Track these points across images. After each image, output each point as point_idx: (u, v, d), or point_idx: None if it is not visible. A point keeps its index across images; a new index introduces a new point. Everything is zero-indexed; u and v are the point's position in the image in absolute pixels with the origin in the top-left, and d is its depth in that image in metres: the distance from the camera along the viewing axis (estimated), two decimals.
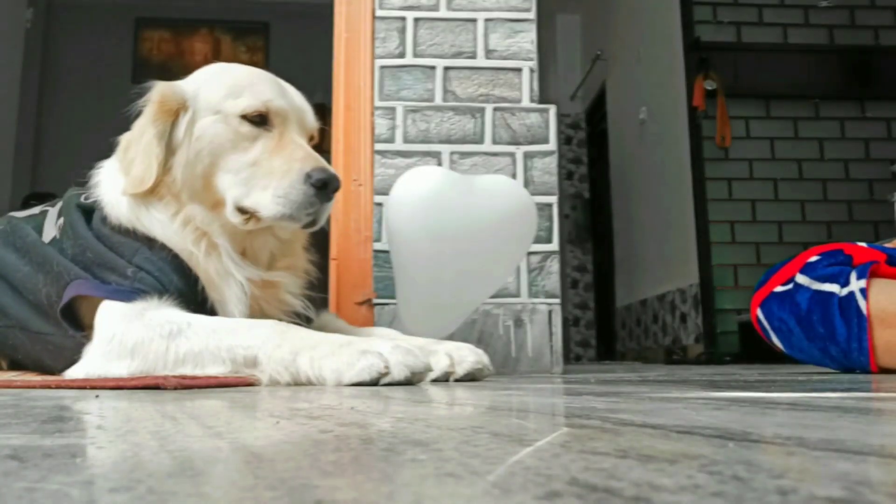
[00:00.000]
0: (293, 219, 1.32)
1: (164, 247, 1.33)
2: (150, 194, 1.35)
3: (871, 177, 4.02)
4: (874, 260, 1.70)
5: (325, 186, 1.30)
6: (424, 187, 1.68)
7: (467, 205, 1.67)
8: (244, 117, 1.35)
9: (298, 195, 1.30)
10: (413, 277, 1.71)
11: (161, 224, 1.34)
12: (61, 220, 1.45)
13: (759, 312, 1.82)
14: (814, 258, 1.77)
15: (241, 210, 1.34)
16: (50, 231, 1.46)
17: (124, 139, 1.43)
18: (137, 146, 1.36)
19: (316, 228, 1.39)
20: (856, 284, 1.63)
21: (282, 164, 1.32)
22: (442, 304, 1.75)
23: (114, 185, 1.39)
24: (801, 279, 1.74)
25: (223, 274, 1.36)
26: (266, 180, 1.32)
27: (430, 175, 1.72)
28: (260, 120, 1.36)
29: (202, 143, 1.35)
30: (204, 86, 1.39)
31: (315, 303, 1.51)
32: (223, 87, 1.38)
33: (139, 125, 1.39)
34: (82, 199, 1.44)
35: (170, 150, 1.36)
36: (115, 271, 1.30)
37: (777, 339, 1.80)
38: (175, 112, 1.36)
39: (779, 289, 1.78)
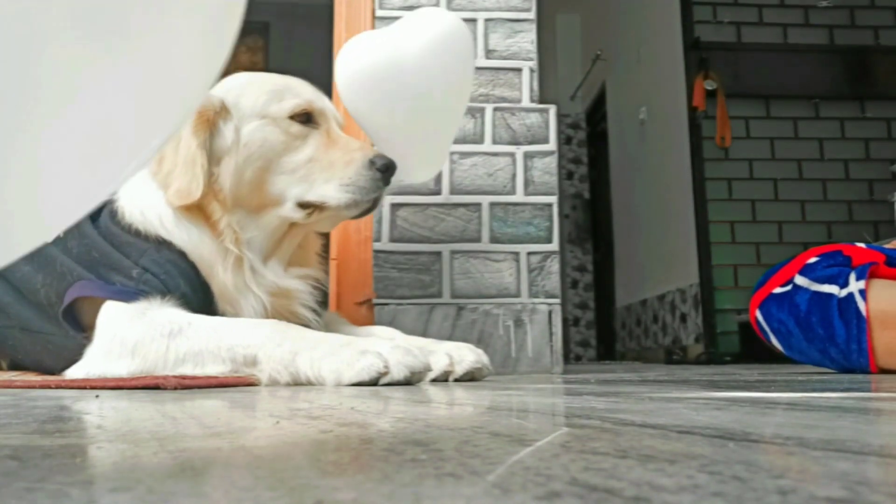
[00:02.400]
0: (358, 204, 1.39)
1: (175, 250, 1.33)
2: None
3: (871, 177, 4.02)
4: (873, 261, 1.69)
5: (387, 170, 1.39)
6: (364, 59, 1.70)
7: (406, 52, 1.69)
8: (291, 118, 1.40)
9: (366, 181, 1.38)
10: (388, 137, 1.75)
11: (188, 231, 1.35)
12: None
13: (758, 314, 1.82)
14: (812, 259, 1.77)
15: (304, 205, 1.39)
16: None
17: None
18: (174, 156, 1.35)
19: (370, 213, 1.46)
20: (855, 286, 1.63)
21: (341, 155, 1.39)
22: (425, 144, 1.81)
23: (138, 190, 1.38)
24: (800, 280, 1.74)
25: (242, 288, 1.36)
26: (328, 173, 1.39)
27: (363, 43, 1.74)
28: (305, 119, 1.41)
29: (252, 147, 1.37)
30: (243, 94, 1.41)
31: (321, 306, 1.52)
32: (263, 92, 1.41)
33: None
34: None
35: (213, 159, 1.36)
36: (121, 272, 1.30)
37: (776, 341, 1.79)
38: (213, 121, 1.37)
39: (777, 290, 1.78)
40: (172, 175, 1.34)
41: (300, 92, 1.43)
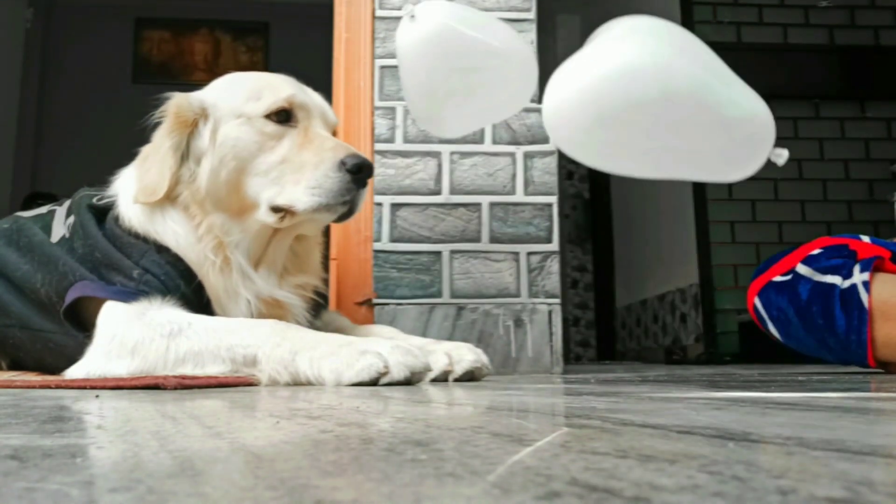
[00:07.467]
0: (329, 208, 1.31)
1: (173, 252, 1.34)
2: (171, 204, 1.35)
3: (871, 177, 4.02)
4: (879, 255, 1.69)
5: (359, 171, 1.31)
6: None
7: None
8: (268, 117, 1.35)
9: (334, 183, 1.30)
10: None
11: (175, 234, 1.34)
12: (71, 219, 1.45)
13: (756, 301, 1.82)
14: (817, 251, 1.77)
15: (276, 209, 1.34)
16: (59, 230, 1.46)
17: (144, 150, 1.43)
18: (154, 157, 1.36)
19: (351, 218, 1.38)
20: (858, 277, 1.63)
21: (312, 156, 1.32)
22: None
23: (130, 192, 1.39)
24: (802, 270, 1.74)
25: (231, 292, 1.35)
26: (297, 175, 1.32)
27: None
28: (284, 117, 1.36)
29: (226, 148, 1.34)
30: (222, 93, 1.39)
31: (318, 304, 1.51)
32: (242, 91, 1.38)
33: (157, 136, 1.39)
34: (94, 200, 1.44)
35: (194, 160, 1.35)
36: (121, 272, 1.30)
37: (774, 329, 1.79)
38: (192, 123, 1.36)
39: (778, 279, 1.78)
40: (148, 173, 1.35)
41: (279, 88, 1.38)
